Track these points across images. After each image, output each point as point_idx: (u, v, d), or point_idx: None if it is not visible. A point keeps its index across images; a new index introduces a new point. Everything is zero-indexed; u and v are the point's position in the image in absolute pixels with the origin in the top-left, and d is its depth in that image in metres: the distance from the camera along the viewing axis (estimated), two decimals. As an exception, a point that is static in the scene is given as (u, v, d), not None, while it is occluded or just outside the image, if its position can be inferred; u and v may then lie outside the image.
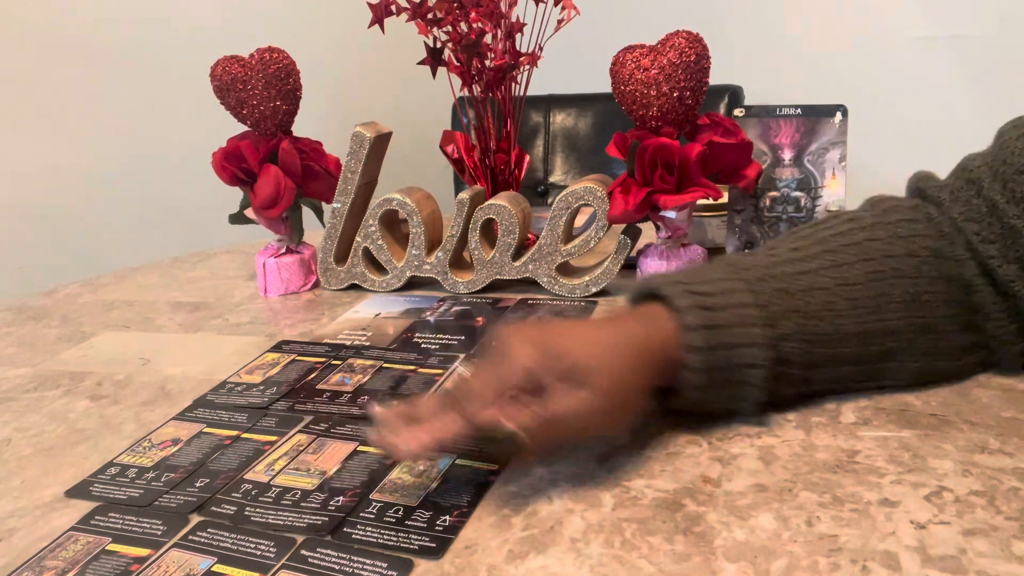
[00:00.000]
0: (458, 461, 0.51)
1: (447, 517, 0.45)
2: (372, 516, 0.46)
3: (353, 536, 0.44)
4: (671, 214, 0.75)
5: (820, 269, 0.53)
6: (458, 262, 0.86)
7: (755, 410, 0.51)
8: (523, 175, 0.92)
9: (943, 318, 0.53)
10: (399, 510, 0.46)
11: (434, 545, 0.43)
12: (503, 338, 0.47)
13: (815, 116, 0.78)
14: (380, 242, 0.85)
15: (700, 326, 0.48)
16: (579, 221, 0.87)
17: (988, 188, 0.53)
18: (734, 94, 1.55)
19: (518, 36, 0.86)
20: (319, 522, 0.46)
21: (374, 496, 0.48)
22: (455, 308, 0.80)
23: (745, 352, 0.49)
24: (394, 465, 0.51)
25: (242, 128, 0.87)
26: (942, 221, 0.54)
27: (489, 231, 0.84)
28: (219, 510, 0.48)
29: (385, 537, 0.44)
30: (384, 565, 0.42)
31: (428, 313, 0.79)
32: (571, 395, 0.45)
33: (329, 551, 0.43)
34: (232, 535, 0.45)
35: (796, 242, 0.56)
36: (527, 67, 0.87)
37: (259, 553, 0.44)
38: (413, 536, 0.44)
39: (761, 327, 0.49)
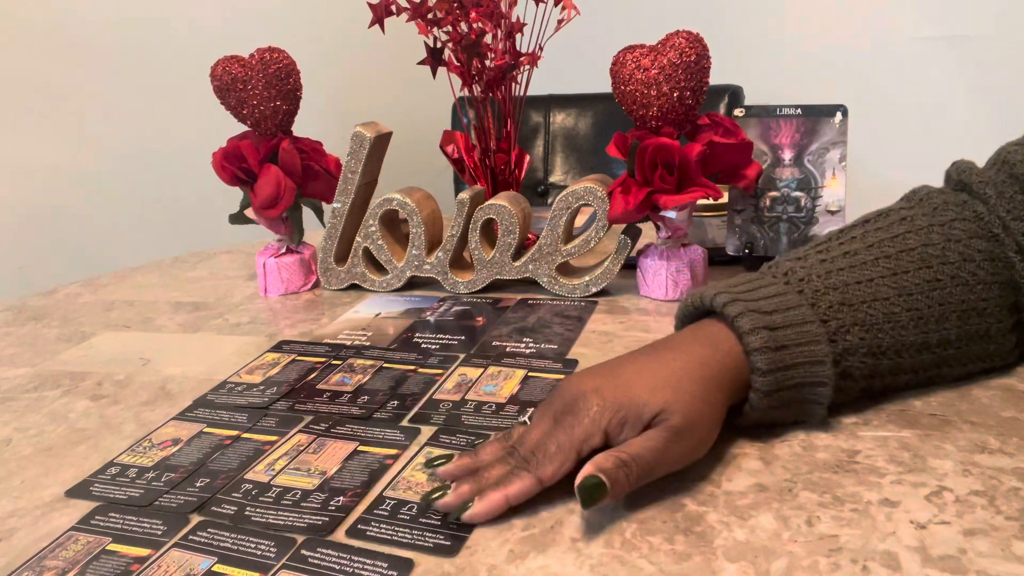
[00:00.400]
0: None
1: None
2: (386, 513, 0.46)
3: (367, 533, 0.44)
4: (671, 214, 0.75)
5: (879, 278, 0.52)
6: (458, 262, 0.86)
7: (818, 422, 0.51)
8: (523, 175, 0.92)
9: (998, 323, 0.53)
10: (412, 507, 0.46)
11: (448, 543, 0.43)
12: (572, 393, 0.47)
13: (815, 116, 0.78)
14: (380, 242, 0.85)
15: (765, 348, 0.48)
16: (579, 221, 0.87)
17: None
18: (734, 94, 1.55)
19: (518, 36, 0.86)
20: (319, 522, 0.46)
21: (387, 494, 0.48)
22: (455, 308, 0.80)
23: (811, 371, 0.48)
24: (401, 462, 0.51)
25: (242, 128, 0.87)
26: (991, 221, 0.54)
27: (489, 231, 0.84)
28: (219, 510, 0.48)
29: (399, 535, 0.44)
30: (384, 565, 0.42)
31: (428, 313, 0.79)
32: (646, 436, 0.45)
33: (329, 551, 0.43)
34: (232, 535, 0.45)
35: (848, 245, 0.54)
36: (527, 67, 0.87)
37: (259, 553, 0.44)
38: (428, 534, 0.44)
39: (825, 343, 0.48)
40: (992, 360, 0.55)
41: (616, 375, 0.48)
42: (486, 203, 0.81)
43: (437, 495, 0.45)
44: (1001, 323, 0.53)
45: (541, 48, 0.86)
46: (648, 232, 0.84)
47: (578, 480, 0.43)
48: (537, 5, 0.84)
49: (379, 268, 0.87)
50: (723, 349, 0.49)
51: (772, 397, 0.48)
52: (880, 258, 0.53)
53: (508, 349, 0.68)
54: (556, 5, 0.85)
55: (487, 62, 0.85)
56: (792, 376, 0.48)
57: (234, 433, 0.57)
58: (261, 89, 0.83)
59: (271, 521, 0.46)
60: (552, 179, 1.71)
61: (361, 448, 0.54)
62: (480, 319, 0.76)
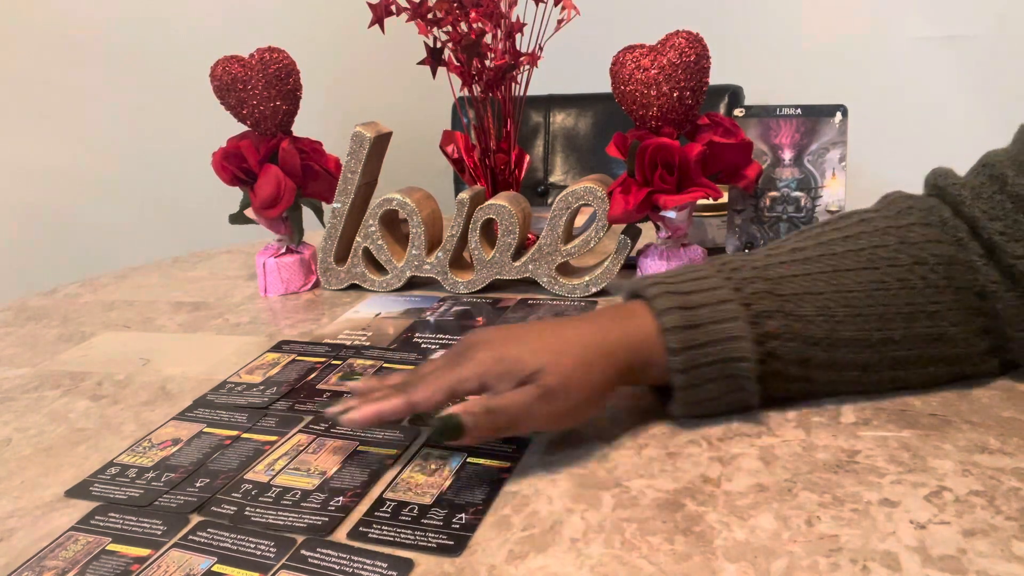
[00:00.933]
0: (470, 459, 0.51)
1: (463, 515, 0.45)
2: (387, 515, 0.46)
3: (370, 536, 0.44)
4: (671, 214, 0.75)
5: (817, 273, 0.52)
6: (458, 262, 0.86)
7: (756, 404, 0.52)
8: (523, 175, 0.92)
9: (954, 326, 0.53)
10: (414, 508, 0.46)
11: (452, 543, 0.43)
12: (469, 343, 0.50)
13: (815, 116, 0.79)
14: (380, 242, 0.85)
15: (678, 327, 0.49)
16: (579, 221, 0.87)
17: (1013, 183, 0.52)
18: (734, 94, 1.55)
19: (518, 36, 0.86)
20: (319, 522, 0.46)
21: (388, 495, 0.48)
22: (455, 308, 0.80)
23: (729, 347, 0.49)
24: (399, 464, 0.51)
25: (242, 128, 0.87)
26: (957, 226, 0.53)
27: (489, 231, 0.84)
28: (219, 510, 0.48)
29: (402, 536, 0.44)
30: (384, 565, 0.42)
31: (428, 313, 0.79)
32: (519, 390, 0.47)
33: (329, 551, 0.43)
34: (232, 535, 0.45)
35: (800, 242, 0.55)
36: (527, 67, 0.87)
37: (259, 553, 0.44)
38: (431, 534, 0.44)
39: (743, 322, 0.49)
40: (961, 364, 0.54)
41: (511, 334, 0.51)
42: (486, 203, 0.81)
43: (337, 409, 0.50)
44: (957, 327, 0.52)
45: (541, 48, 0.86)
46: (648, 232, 0.84)
47: (440, 414, 0.47)
48: (537, 5, 0.84)
49: (379, 268, 0.87)
50: (632, 325, 0.50)
51: (689, 375, 0.49)
52: (825, 255, 0.53)
53: (508, 349, 0.68)
54: (556, 5, 0.85)
55: (487, 62, 0.85)
56: (708, 353, 0.49)
57: (234, 433, 0.57)
58: (261, 89, 0.82)
59: (271, 521, 0.46)
60: (552, 179, 1.71)
61: (361, 448, 0.54)
62: (480, 319, 0.76)
